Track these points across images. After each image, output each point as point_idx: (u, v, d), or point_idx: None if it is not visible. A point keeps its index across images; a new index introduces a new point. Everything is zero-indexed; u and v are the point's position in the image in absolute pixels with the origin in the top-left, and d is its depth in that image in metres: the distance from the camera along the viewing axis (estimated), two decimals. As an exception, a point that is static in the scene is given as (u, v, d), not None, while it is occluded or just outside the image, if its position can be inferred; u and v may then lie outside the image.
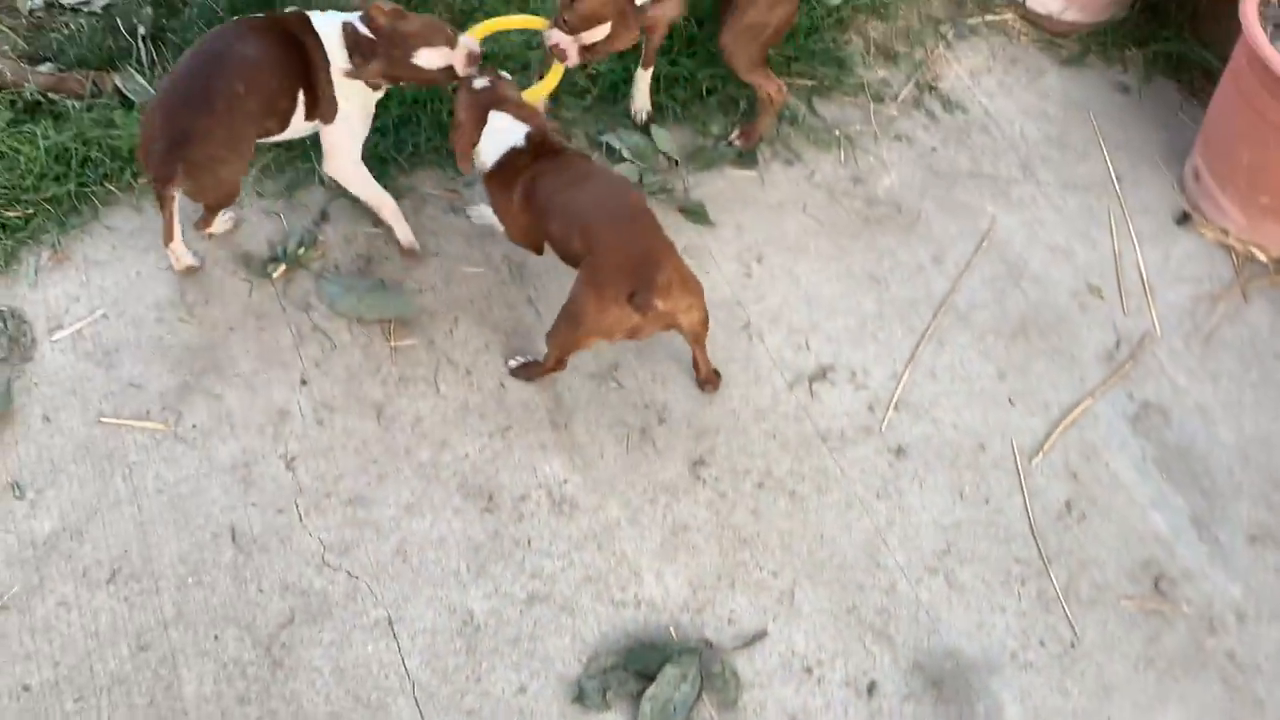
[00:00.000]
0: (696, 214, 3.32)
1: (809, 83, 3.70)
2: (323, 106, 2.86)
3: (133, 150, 3.21)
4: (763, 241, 3.29)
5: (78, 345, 2.90)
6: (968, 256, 3.32)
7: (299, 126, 2.90)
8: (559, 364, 2.83)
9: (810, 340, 3.10)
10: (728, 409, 2.94)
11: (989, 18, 3.98)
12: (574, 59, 2.93)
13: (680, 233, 3.17)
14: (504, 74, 2.91)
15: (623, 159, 3.42)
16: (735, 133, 3.47)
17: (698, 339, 2.81)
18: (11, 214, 3.08)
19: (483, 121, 2.78)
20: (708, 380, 2.93)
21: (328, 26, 2.82)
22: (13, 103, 3.31)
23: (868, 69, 3.78)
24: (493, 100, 2.80)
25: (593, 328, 2.65)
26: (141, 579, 2.56)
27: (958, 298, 3.23)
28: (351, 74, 2.81)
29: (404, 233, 3.13)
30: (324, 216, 3.21)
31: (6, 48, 3.46)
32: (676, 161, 3.45)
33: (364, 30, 2.79)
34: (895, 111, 3.67)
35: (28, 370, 2.85)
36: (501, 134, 2.78)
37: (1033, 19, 3.94)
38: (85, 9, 3.67)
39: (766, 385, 3.00)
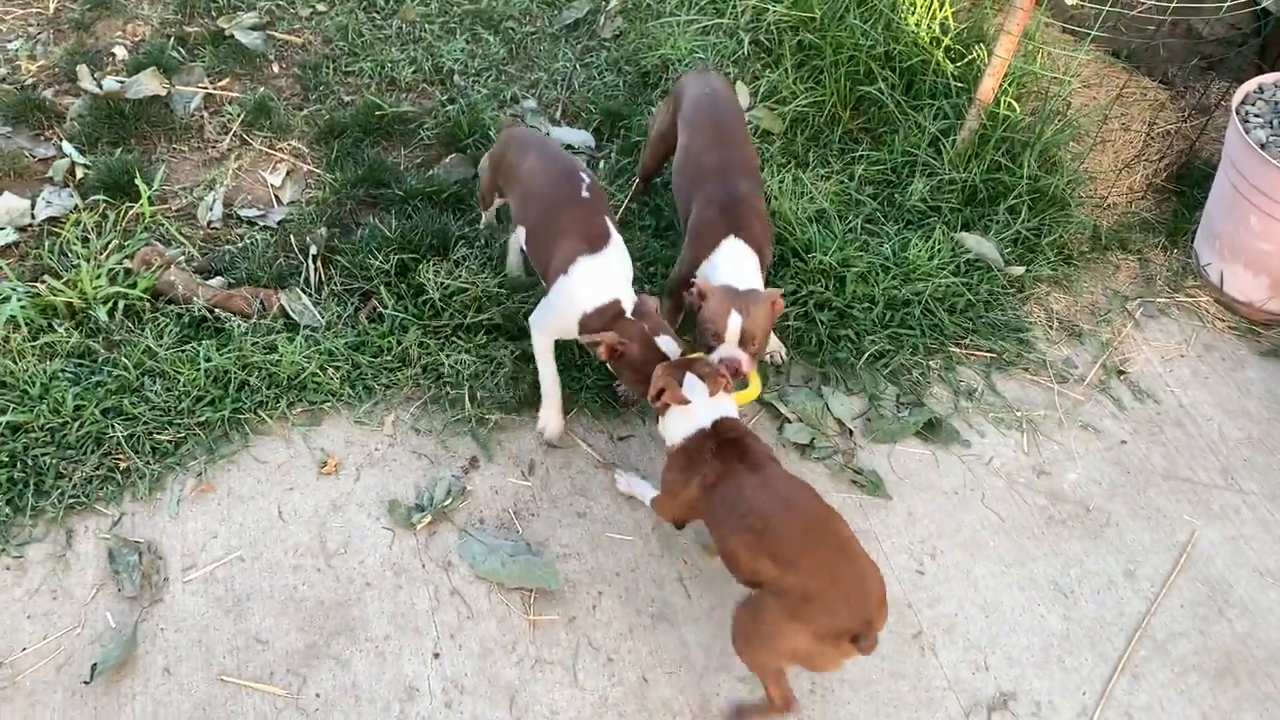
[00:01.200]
0: (873, 487, 3.10)
1: (988, 355, 3.49)
2: None
3: (290, 379, 3.16)
4: (936, 534, 3.03)
5: (210, 589, 2.76)
6: (1165, 573, 2.99)
7: None
8: (782, 692, 2.47)
9: (989, 660, 2.78)
10: (896, 737, 2.63)
11: (1180, 298, 3.74)
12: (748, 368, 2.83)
13: (848, 511, 2.93)
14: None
15: (788, 421, 3.23)
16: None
17: None
18: (163, 437, 3.02)
19: (675, 393, 2.62)
20: None
21: None
22: (179, 316, 3.30)
23: (1050, 344, 3.56)
24: (688, 363, 2.68)
25: (796, 658, 2.39)
26: None
27: (1154, 622, 2.89)
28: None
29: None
30: (473, 464, 3.07)
31: (182, 259, 3.49)
32: (851, 431, 3.24)
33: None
34: (1080, 395, 3.42)
35: (156, 613, 2.71)
36: (694, 412, 2.62)
37: (1229, 304, 3.70)
38: (260, 223, 3.71)
39: (939, 710, 2.68)
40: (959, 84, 3.99)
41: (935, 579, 2.93)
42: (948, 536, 3.03)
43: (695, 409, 2.62)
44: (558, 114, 4.21)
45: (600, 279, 2.87)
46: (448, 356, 3.24)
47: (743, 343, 2.80)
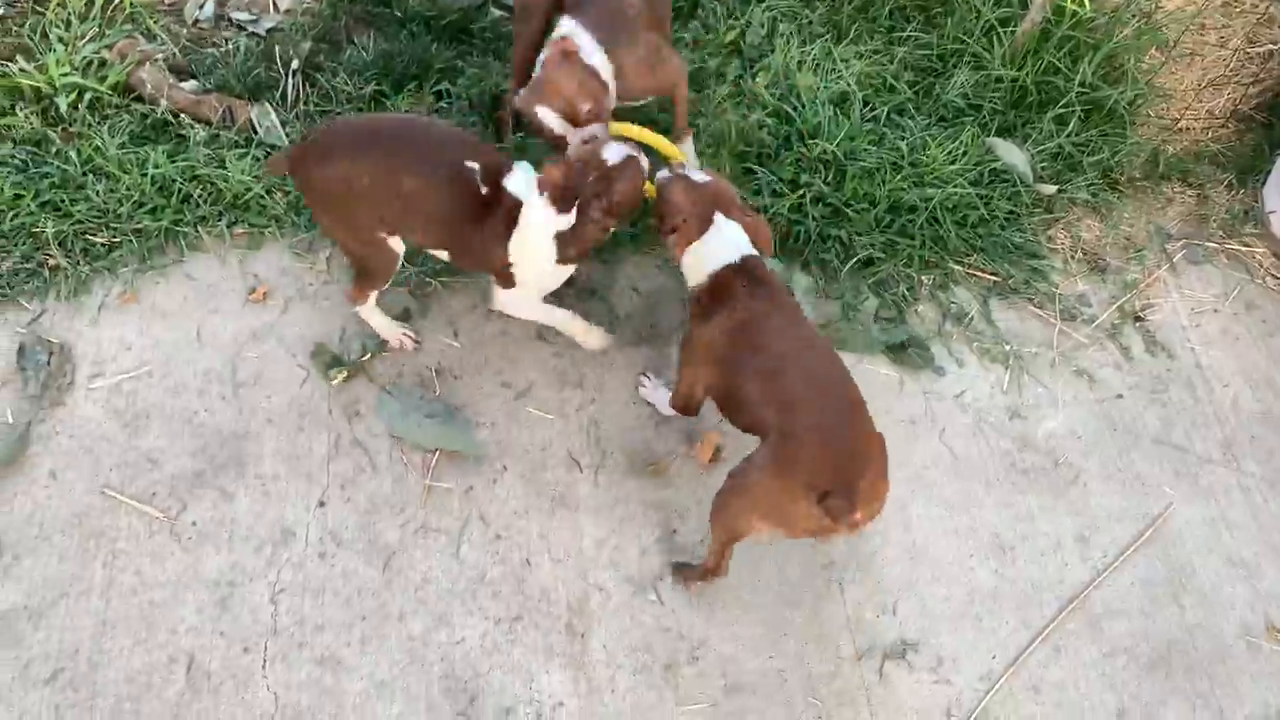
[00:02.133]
0: None
1: (991, 278, 3.16)
2: None
3: (235, 196, 3.03)
4: (879, 463, 2.79)
5: (112, 399, 2.71)
6: (1122, 545, 2.72)
7: None
8: (720, 562, 2.44)
9: (899, 605, 2.58)
10: (773, 666, 2.47)
11: (1232, 245, 3.31)
12: None
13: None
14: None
15: None
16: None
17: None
18: (97, 239, 2.94)
19: (708, 222, 2.45)
20: None
21: None
22: (144, 117, 3.18)
23: (1066, 277, 3.20)
24: (718, 202, 2.48)
25: (769, 515, 2.28)
26: (80, 689, 2.32)
27: (1096, 596, 2.64)
28: None
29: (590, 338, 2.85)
30: (405, 315, 2.92)
31: (160, 56, 3.34)
32: None
33: None
34: (1085, 338, 3.08)
35: (54, 415, 2.68)
36: (727, 245, 2.44)
37: (1289, 258, 3.27)
38: (250, 28, 3.52)
39: (830, 647, 2.51)
40: (1035, -34, 3.51)
41: (865, 511, 2.71)
42: (892, 468, 2.78)
43: (711, 248, 2.44)
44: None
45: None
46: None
47: (588, 117, 2.67)
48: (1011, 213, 3.23)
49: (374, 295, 2.73)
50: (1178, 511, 2.79)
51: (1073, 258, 3.24)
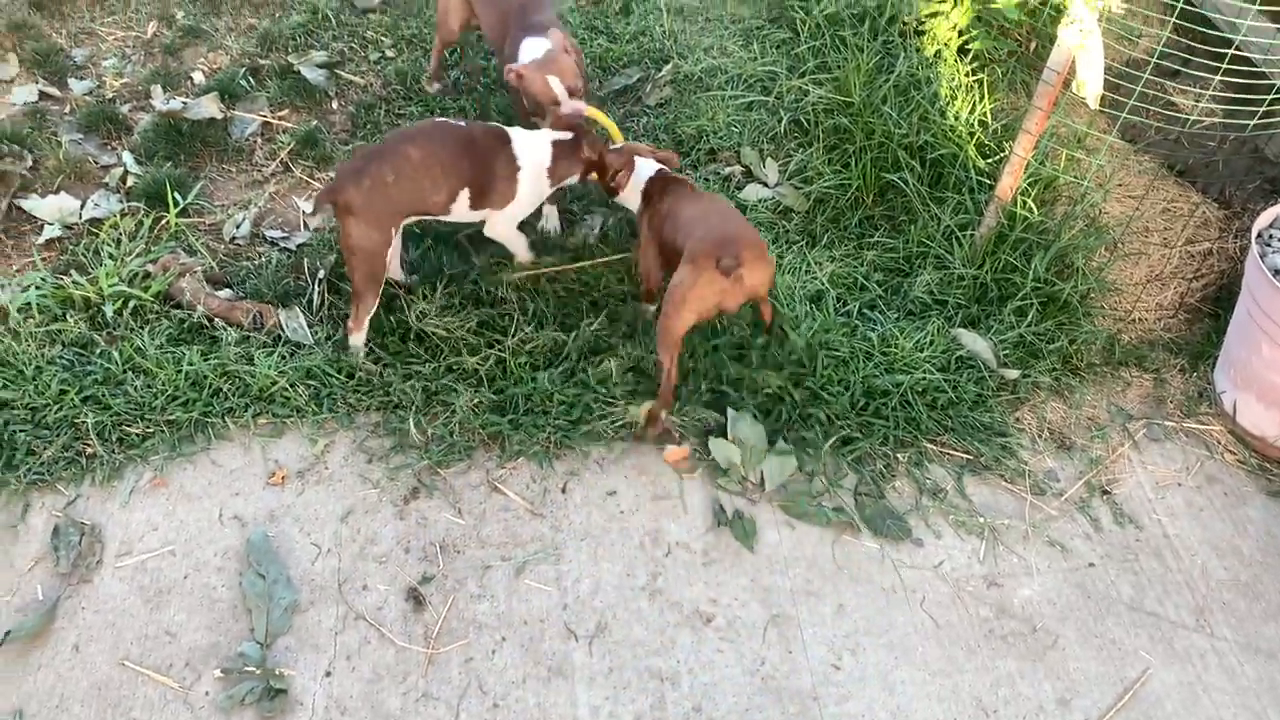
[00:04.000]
0: (743, 533, 3.12)
1: (964, 455, 3.36)
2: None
3: (261, 390, 3.30)
4: (863, 630, 2.91)
5: (136, 577, 2.89)
6: (1104, 709, 2.79)
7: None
8: (673, 364, 3.21)
9: (885, 769, 2.65)
10: (765, 831, 2.52)
11: (1190, 424, 3.53)
12: None
13: (769, 596, 2.89)
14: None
15: (723, 436, 3.28)
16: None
17: (765, 300, 3.32)
18: (132, 430, 3.19)
19: (632, 164, 3.54)
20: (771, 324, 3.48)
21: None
22: (181, 321, 3.50)
23: (1034, 454, 3.41)
24: (637, 152, 3.57)
25: (692, 300, 3.10)
26: None
27: (1080, 760, 2.70)
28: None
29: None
30: (414, 494, 3.13)
31: (200, 268, 3.70)
32: (764, 486, 3.19)
33: None
34: (1055, 510, 3.25)
35: (81, 591, 2.85)
36: (646, 170, 3.56)
37: (1242, 436, 3.47)
38: (282, 244, 3.91)
39: (819, 813, 2.56)
40: (987, 180, 3.91)
41: (851, 676, 2.81)
42: (875, 635, 2.91)
43: (640, 174, 3.55)
44: (589, 172, 4.31)
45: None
46: (411, 389, 3.33)
47: (571, 94, 3.54)
48: (979, 396, 3.48)
49: (366, 322, 3.39)
50: (1155, 675, 2.87)
51: (1040, 436, 3.46)
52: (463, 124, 3.51)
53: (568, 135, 3.55)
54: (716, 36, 4.92)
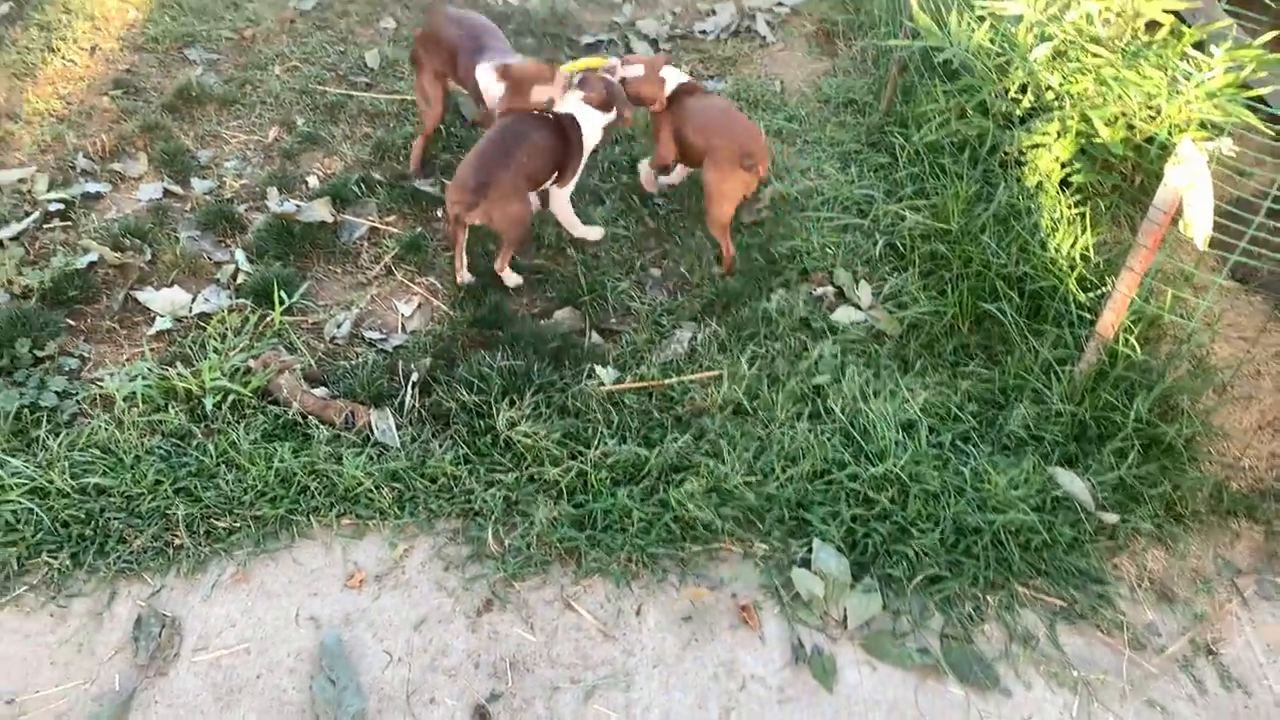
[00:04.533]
0: (822, 672, 3.00)
1: (1057, 602, 3.21)
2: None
3: (347, 490, 3.34)
4: (945, 786, 2.76)
5: (210, 673, 2.90)
6: None
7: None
8: (727, 237, 4.33)
9: None
10: None
11: (1306, 581, 3.32)
12: None
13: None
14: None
15: (805, 567, 3.16)
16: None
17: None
18: (220, 524, 3.25)
19: (662, 79, 4.36)
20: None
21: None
22: (276, 417, 3.58)
23: (1133, 605, 3.23)
24: (664, 64, 4.42)
25: (729, 193, 4.20)
26: None
27: None
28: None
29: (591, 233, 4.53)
30: (487, 606, 3.10)
31: (299, 366, 3.80)
32: (846, 624, 3.08)
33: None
34: (1155, 668, 3.07)
35: (157, 684, 2.87)
36: (676, 78, 4.39)
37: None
38: (380, 345, 4.01)
39: None
40: (1087, 315, 3.82)
41: (930, 835, 2.66)
42: (958, 792, 2.75)
43: (673, 78, 4.38)
44: (677, 285, 4.34)
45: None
46: (491, 497, 3.33)
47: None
48: (1075, 539, 3.33)
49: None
50: None
51: (1139, 586, 3.29)
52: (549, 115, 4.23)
53: (596, 92, 4.25)
54: (814, 159, 4.97)
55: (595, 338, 4.06)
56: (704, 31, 6.08)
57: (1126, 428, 3.52)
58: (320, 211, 4.45)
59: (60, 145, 4.92)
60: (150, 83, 5.46)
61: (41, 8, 6.00)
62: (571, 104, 4.22)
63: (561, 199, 4.37)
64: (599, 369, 3.85)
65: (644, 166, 4.74)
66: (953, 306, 4.02)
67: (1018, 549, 3.28)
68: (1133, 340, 3.62)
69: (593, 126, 4.27)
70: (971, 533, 3.30)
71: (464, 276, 4.25)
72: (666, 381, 3.81)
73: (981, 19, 4.51)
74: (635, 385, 3.79)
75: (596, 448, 3.48)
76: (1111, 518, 3.40)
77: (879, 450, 3.46)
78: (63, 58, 5.56)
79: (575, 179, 4.34)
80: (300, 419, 3.59)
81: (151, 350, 3.90)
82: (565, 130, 4.21)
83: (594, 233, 4.51)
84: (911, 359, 3.95)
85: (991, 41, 4.42)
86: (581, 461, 3.44)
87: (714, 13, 6.26)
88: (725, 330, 4.05)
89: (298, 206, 4.50)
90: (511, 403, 3.64)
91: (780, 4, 6.27)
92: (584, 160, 4.33)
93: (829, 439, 3.54)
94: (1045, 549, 3.30)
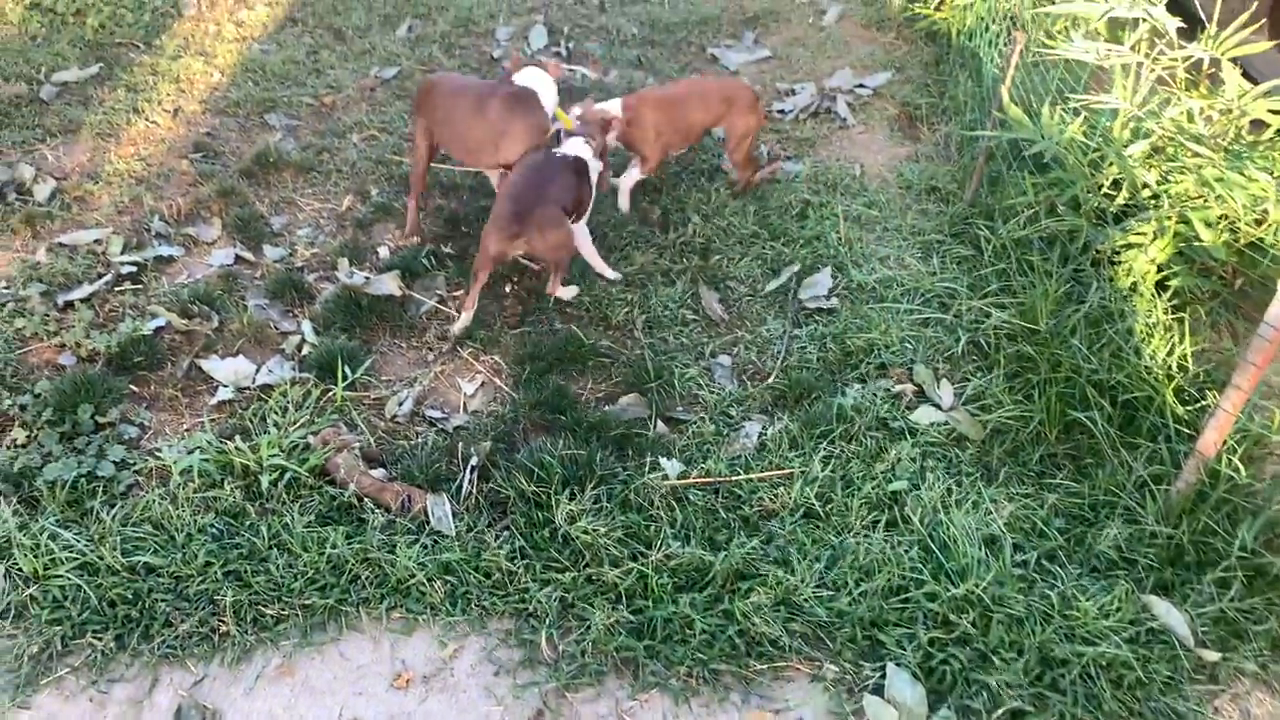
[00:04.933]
0: None
1: (1151, 751, 2.95)
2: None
3: (399, 582, 3.22)
4: None
5: (246, 774, 2.78)
6: None
7: None
8: (749, 160, 5.22)
9: None
10: None
11: None
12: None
13: None
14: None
15: (879, 695, 2.91)
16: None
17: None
18: (268, 611, 3.14)
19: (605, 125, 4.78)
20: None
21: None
22: (332, 498, 3.49)
23: (1238, 756, 2.97)
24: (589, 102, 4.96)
25: (752, 136, 5.11)
26: None
27: None
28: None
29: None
30: (538, 717, 2.94)
31: (358, 445, 3.71)
32: None
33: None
34: (1264, 831, 2.80)
35: (190, 783, 2.75)
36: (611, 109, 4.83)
37: None
38: (440, 425, 3.91)
39: None
40: (1186, 430, 3.59)
41: None
42: None
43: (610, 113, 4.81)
44: (744, 374, 4.20)
45: None
46: (547, 598, 3.19)
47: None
48: (1171, 678, 3.08)
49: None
50: None
51: (1244, 733, 3.02)
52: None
53: (598, 141, 4.65)
54: (894, 247, 4.82)
55: (661, 427, 3.92)
56: (782, 111, 5.99)
57: (1229, 556, 3.27)
58: (389, 285, 4.40)
59: (137, 207, 4.96)
60: (229, 147, 5.52)
61: (130, 69, 6.13)
62: (578, 147, 4.53)
63: (580, 233, 4.57)
64: (663, 461, 3.70)
65: (626, 183, 5.03)
66: (1040, 412, 3.82)
67: (1109, 685, 3.03)
68: (1236, 461, 3.38)
69: (596, 169, 4.60)
70: (1058, 665, 3.06)
71: (465, 321, 4.34)
72: (734, 478, 3.65)
73: (1075, 112, 4.35)
74: (701, 481, 3.64)
75: (659, 548, 3.33)
76: (1212, 655, 3.14)
77: (960, 568, 3.25)
78: (146, 119, 5.65)
79: (588, 214, 4.61)
80: (356, 501, 3.49)
81: (212, 421, 3.85)
82: (579, 169, 4.46)
83: (610, 273, 4.67)
84: (995, 466, 3.74)
85: (1086, 135, 4.26)
86: (642, 563, 3.28)
87: (793, 92, 6.18)
88: (797, 426, 3.88)
89: (366, 279, 4.46)
90: (572, 495, 3.50)
91: (862, 86, 6.17)
92: (594, 198, 4.64)
93: (906, 551, 3.34)
94: (1139, 687, 3.05)
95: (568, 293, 4.52)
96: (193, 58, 6.30)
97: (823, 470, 3.65)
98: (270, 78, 6.15)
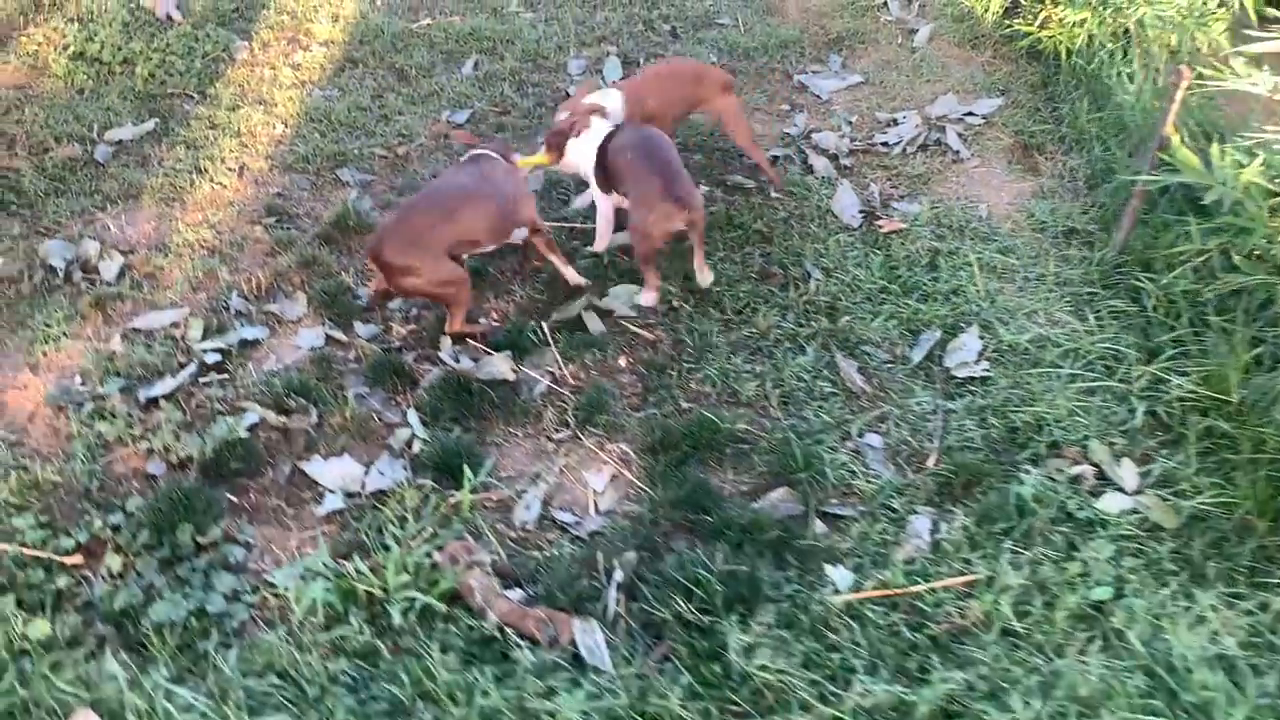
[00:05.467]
0: None
1: None
2: None
3: (565, 739, 2.83)
4: None
5: None
6: None
7: None
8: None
9: None
10: None
11: None
12: None
13: None
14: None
15: None
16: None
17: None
18: (417, 780, 2.77)
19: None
20: None
21: None
22: (470, 628, 3.11)
23: None
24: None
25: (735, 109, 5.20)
26: None
27: None
28: None
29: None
30: None
31: (488, 560, 3.33)
32: None
33: None
34: None
35: None
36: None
37: None
38: (573, 530, 3.53)
39: None
40: None
41: None
42: None
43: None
44: (899, 456, 3.80)
45: None
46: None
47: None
48: None
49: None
50: None
51: None
52: None
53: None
54: (1040, 300, 4.41)
55: (819, 526, 3.52)
56: (886, 144, 5.58)
57: None
58: (501, 367, 4.02)
59: (212, 281, 4.59)
60: (303, 208, 5.14)
61: (187, 123, 5.76)
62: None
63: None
64: (831, 570, 3.31)
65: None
66: (1246, 499, 3.41)
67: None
68: None
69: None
70: (1333, 818, 2.66)
71: (653, 298, 4.44)
72: (914, 589, 3.25)
73: (1251, 152, 3.93)
74: (878, 594, 3.24)
75: (848, 687, 2.93)
76: None
77: (1199, 702, 2.84)
78: (211, 180, 5.28)
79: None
80: (498, 633, 3.11)
81: (324, 534, 3.48)
82: None
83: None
84: (1198, 561, 3.33)
85: (1270, 179, 3.84)
86: (836, 708, 2.88)
87: (895, 122, 5.77)
88: (973, 520, 3.48)
89: (475, 361, 4.07)
90: (742, 618, 3.11)
91: (971, 114, 5.75)
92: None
93: (1129, 678, 2.93)
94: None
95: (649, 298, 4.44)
96: (251, 108, 5.92)
97: (1014, 576, 3.25)
98: (337, 127, 5.76)
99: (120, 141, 5.57)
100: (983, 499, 3.56)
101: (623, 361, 4.23)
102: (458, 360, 4.08)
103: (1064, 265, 4.61)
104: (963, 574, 3.30)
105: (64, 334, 4.25)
